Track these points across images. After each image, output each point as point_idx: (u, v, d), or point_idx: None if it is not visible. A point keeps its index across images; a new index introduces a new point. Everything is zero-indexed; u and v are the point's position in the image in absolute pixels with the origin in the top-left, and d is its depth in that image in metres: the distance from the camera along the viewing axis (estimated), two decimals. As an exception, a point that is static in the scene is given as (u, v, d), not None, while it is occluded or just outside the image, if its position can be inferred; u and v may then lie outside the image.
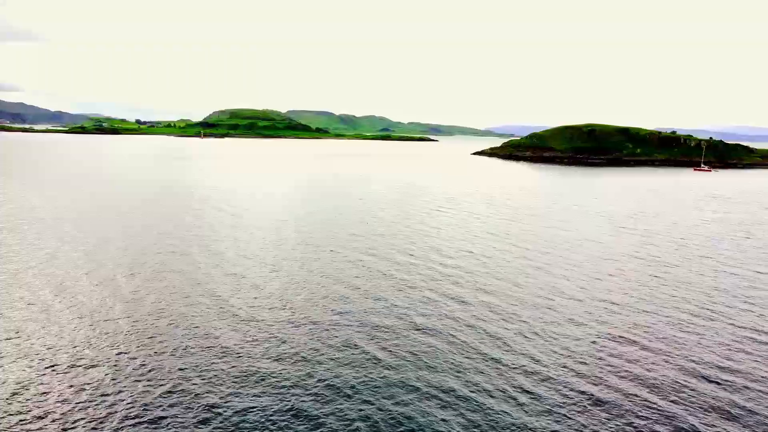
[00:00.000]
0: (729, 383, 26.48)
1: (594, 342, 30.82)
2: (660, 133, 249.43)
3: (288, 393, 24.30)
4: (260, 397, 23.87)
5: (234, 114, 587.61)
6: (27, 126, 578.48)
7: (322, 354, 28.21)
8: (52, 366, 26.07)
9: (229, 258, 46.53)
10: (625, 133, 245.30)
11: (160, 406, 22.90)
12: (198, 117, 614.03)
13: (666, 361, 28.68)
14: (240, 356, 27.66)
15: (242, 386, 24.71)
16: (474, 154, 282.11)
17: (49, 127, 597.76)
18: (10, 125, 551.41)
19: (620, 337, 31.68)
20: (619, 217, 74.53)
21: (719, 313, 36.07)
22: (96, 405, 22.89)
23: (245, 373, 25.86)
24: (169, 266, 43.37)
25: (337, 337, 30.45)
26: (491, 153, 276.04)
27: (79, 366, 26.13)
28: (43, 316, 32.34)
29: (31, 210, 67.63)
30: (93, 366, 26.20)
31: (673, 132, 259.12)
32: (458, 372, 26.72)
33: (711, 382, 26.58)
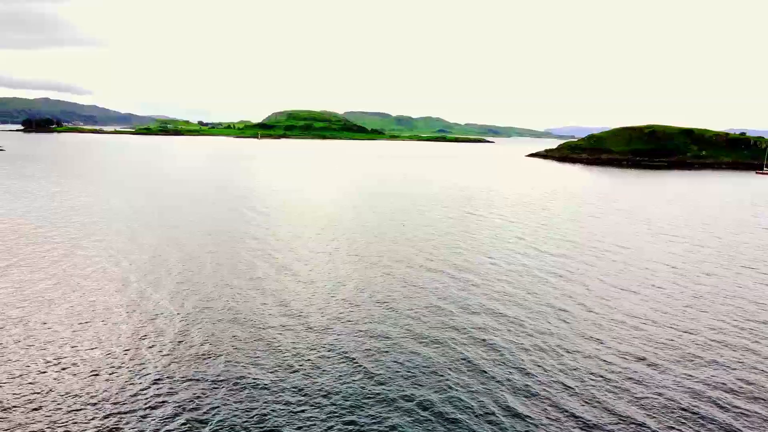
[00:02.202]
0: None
1: (601, 360, 28.23)
2: (728, 134, 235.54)
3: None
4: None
5: (291, 115, 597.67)
6: (98, 127, 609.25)
7: (317, 362, 27.05)
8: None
9: (266, 256, 46.22)
10: (689, 134, 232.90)
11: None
12: (258, 118, 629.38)
13: (677, 388, 25.83)
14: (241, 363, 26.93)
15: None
16: (528, 156, 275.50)
17: (118, 128, 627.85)
18: (82, 127, 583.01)
19: (632, 356, 28.92)
20: (662, 223, 69.89)
21: (756, 338, 32.52)
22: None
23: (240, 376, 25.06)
24: (232, 264, 43.47)
25: (328, 346, 29.22)
26: (546, 155, 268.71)
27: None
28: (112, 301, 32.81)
29: (83, 208, 69.95)
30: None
31: (743, 133, 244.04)
32: (445, 387, 24.92)
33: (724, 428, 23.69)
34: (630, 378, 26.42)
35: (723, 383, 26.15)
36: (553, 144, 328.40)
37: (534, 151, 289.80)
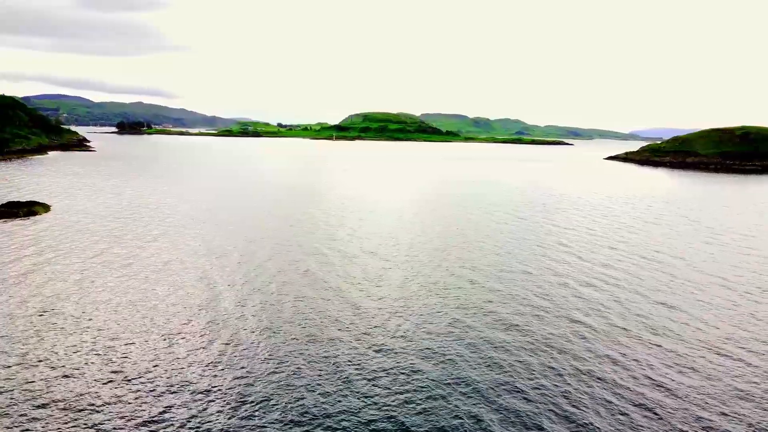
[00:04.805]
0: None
1: (611, 381, 25.28)
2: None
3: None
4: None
5: (367, 117, 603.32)
6: (184, 129, 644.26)
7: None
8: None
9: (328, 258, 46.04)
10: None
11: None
12: (335, 120, 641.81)
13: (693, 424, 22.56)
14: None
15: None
16: (607, 158, 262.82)
17: (202, 130, 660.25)
18: (170, 129, 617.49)
19: (647, 379, 25.76)
20: (734, 233, 63.40)
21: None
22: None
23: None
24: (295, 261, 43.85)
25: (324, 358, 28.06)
26: (626, 158, 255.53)
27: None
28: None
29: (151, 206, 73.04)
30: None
31: None
32: (438, 402, 23.08)
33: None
34: (639, 404, 23.45)
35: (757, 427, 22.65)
36: (636, 147, 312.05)
37: (613, 154, 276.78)
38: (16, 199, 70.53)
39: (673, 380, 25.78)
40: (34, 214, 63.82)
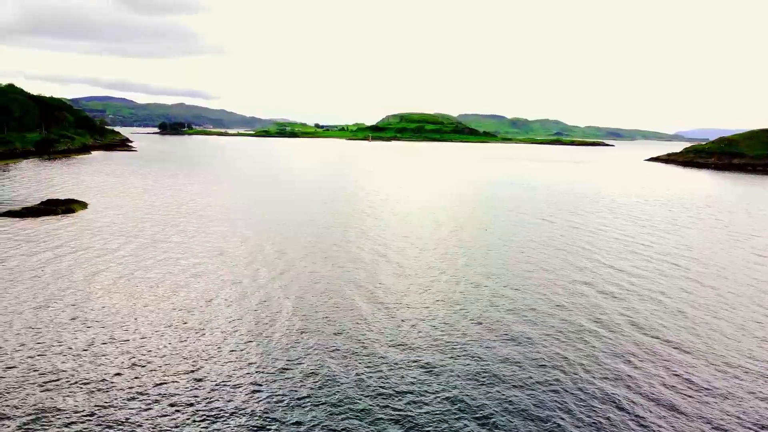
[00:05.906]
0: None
1: (613, 397, 24.67)
2: None
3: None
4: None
5: (403, 117, 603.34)
6: (222, 130, 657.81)
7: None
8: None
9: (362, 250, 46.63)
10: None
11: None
12: (372, 120, 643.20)
13: None
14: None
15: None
16: (648, 160, 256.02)
17: (241, 131, 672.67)
18: (209, 129, 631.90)
19: (650, 394, 25.04)
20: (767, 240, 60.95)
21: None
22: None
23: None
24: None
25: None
26: (668, 159, 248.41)
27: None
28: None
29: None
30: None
31: None
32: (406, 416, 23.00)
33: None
34: (647, 424, 22.80)
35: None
36: (680, 148, 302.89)
37: (655, 155, 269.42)
38: (56, 197, 73.27)
39: (685, 399, 24.95)
40: (72, 211, 66.09)
